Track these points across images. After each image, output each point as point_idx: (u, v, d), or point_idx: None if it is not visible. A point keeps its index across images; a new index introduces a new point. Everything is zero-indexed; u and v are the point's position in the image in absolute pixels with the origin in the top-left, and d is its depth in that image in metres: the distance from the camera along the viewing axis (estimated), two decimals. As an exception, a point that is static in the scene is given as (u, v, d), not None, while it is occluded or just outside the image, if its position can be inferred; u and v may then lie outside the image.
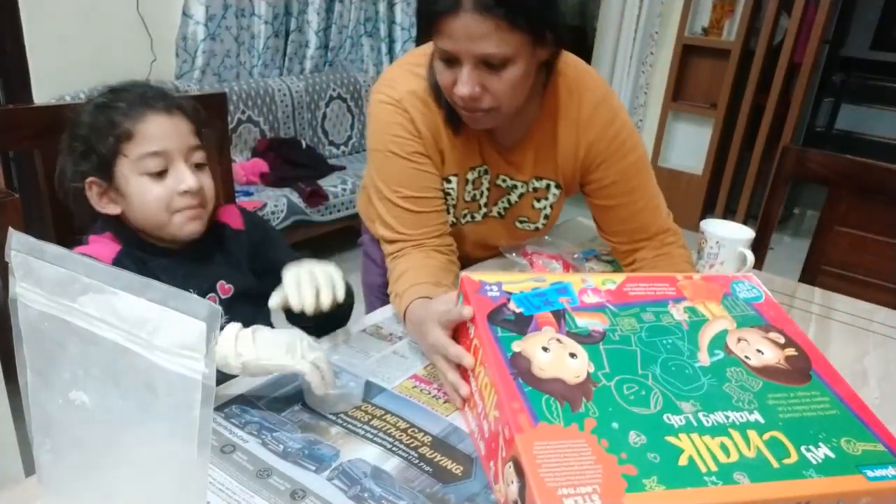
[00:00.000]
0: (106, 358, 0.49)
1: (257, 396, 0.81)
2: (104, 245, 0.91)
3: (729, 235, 1.19)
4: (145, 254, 0.93)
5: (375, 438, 0.75)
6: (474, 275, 0.78)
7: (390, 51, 3.70)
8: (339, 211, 2.99)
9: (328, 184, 2.98)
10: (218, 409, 0.78)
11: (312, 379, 0.76)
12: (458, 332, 0.81)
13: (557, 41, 0.95)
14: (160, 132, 0.88)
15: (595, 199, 1.13)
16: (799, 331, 0.79)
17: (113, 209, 0.91)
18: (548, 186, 1.13)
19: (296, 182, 2.89)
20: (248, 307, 0.97)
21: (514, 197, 1.14)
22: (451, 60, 0.90)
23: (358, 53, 3.63)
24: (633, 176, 1.09)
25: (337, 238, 3.02)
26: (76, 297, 0.49)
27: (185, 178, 0.88)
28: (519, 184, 1.12)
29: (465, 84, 0.90)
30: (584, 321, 0.74)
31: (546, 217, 1.17)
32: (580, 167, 1.10)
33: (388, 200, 1.04)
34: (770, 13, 3.55)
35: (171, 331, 0.45)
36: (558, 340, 0.71)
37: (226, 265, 1.00)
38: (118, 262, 0.89)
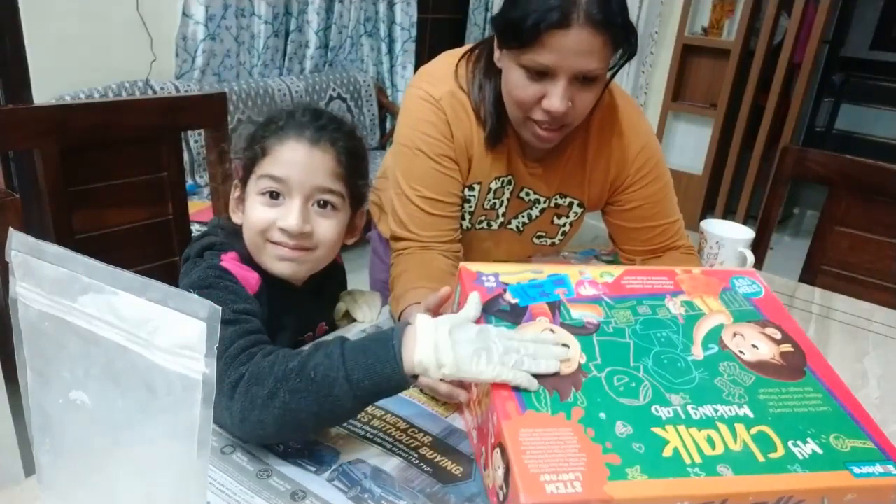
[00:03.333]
0: (106, 358, 0.49)
1: (257, 396, 0.81)
2: (246, 271, 0.85)
3: (729, 235, 1.19)
4: (266, 283, 0.87)
5: (375, 439, 0.75)
6: (472, 265, 0.78)
7: (390, 51, 3.70)
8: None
9: (328, 184, 2.98)
10: (218, 409, 0.78)
11: (530, 386, 0.65)
12: None
13: (617, 65, 0.96)
14: (290, 159, 0.82)
15: (615, 219, 1.13)
16: (797, 327, 0.79)
17: (238, 219, 0.88)
18: (570, 204, 1.13)
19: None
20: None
21: (535, 212, 1.13)
22: (541, 75, 0.89)
23: (358, 53, 3.63)
24: (657, 202, 1.10)
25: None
26: (76, 297, 0.49)
27: (289, 215, 0.82)
28: (542, 199, 1.11)
29: (561, 99, 0.88)
30: (578, 312, 0.74)
31: (564, 234, 1.17)
32: (608, 189, 1.10)
33: (406, 197, 1.03)
34: (770, 13, 3.55)
35: (171, 331, 0.45)
36: (552, 331, 0.71)
37: (329, 306, 1.02)
38: (258, 295, 0.84)
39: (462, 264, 0.78)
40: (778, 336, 0.77)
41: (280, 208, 0.83)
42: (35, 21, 2.35)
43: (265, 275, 0.87)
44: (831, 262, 1.51)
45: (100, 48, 2.58)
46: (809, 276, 1.51)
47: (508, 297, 0.75)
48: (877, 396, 0.93)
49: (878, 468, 0.64)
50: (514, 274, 0.78)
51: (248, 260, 0.87)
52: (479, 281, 0.76)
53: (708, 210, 3.96)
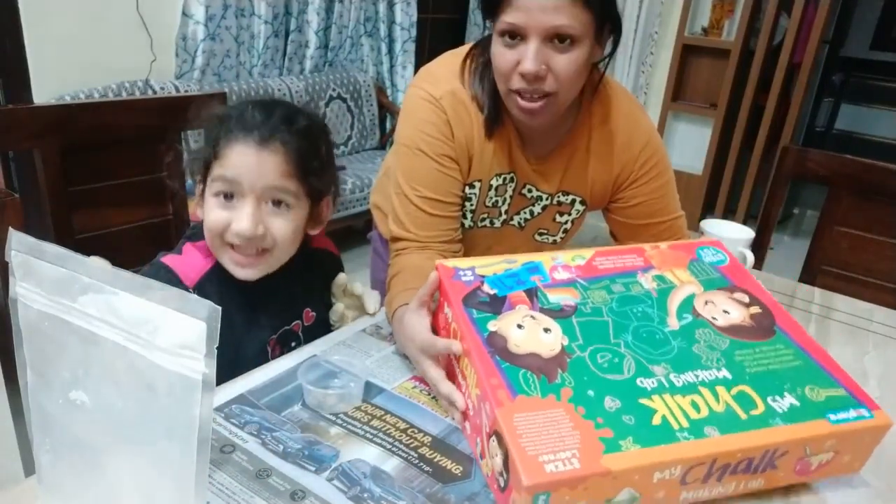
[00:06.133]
0: (106, 358, 0.49)
1: (257, 396, 0.81)
2: (195, 259, 0.89)
3: (729, 235, 1.19)
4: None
5: (375, 439, 0.75)
6: (448, 262, 0.80)
7: (390, 51, 3.70)
8: (338, 211, 2.99)
9: (328, 184, 2.98)
10: (218, 409, 0.78)
11: None
12: (436, 319, 0.83)
13: (612, 41, 0.96)
14: (239, 162, 0.83)
15: (618, 216, 1.13)
16: (762, 289, 0.82)
17: (201, 215, 0.90)
18: (573, 202, 1.12)
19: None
20: (322, 330, 1.01)
21: (537, 209, 1.13)
22: (515, 39, 0.89)
23: (358, 53, 3.63)
24: (661, 198, 1.09)
25: (337, 238, 3.02)
26: (76, 297, 0.49)
27: (241, 219, 0.83)
28: (544, 195, 1.11)
29: (531, 60, 0.87)
30: (556, 297, 0.77)
31: (565, 231, 1.17)
32: (612, 186, 1.10)
33: (405, 197, 1.03)
34: (770, 13, 3.55)
35: (171, 331, 0.45)
36: (532, 317, 0.73)
37: (315, 292, 1.02)
38: (201, 285, 0.88)
39: (438, 262, 0.80)
40: (746, 300, 0.80)
41: (234, 210, 0.84)
42: (35, 21, 2.35)
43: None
44: (831, 262, 1.50)
45: (100, 48, 2.58)
46: (809, 276, 1.51)
47: (486, 288, 0.77)
48: (877, 397, 0.93)
49: (853, 413, 0.68)
50: (490, 266, 0.80)
51: None
52: (457, 276, 0.78)
53: (708, 210, 3.96)
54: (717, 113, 3.79)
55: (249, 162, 0.83)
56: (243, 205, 0.84)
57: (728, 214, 3.84)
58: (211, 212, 0.86)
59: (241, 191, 0.84)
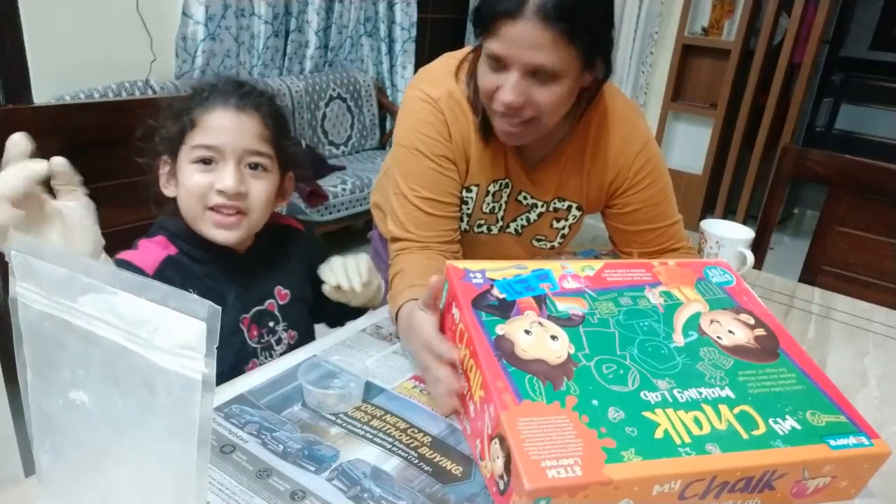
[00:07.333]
0: (106, 358, 0.49)
1: (257, 396, 0.81)
2: (151, 251, 0.91)
3: (729, 235, 1.19)
4: (205, 253, 0.92)
5: (375, 439, 0.75)
6: (459, 263, 0.80)
7: (390, 51, 3.70)
8: (338, 211, 2.99)
9: (328, 184, 2.98)
10: (218, 409, 0.78)
11: None
12: (443, 320, 0.83)
13: (604, 71, 0.95)
14: (219, 126, 0.88)
15: (614, 222, 1.13)
16: (768, 312, 0.83)
17: (171, 192, 0.92)
18: (569, 208, 1.12)
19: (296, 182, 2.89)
20: (304, 310, 1.01)
21: (533, 216, 1.13)
22: (499, 65, 0.89)
23: (358, 53, 3.63)
24: (657, 204, 1.09)
25: (337, 238, 3.02)
26: (76, 297, 0.49)
27: (224, 177, 0.87)
28: (539, 202, 1.11)
29: (509, 91, 0.88)
30: (564, 305, 0.77)
31: (563, 237, 1.17)
32: (606, 192, 1.10)
33: (404, 197, 1.03)
34: (770, 13, 3.56)
35: (171, 331, 0.45)
36: (540, 324, 0.74)
37: (285, 270, 1.02)
38: (161, 271, 0.89)
39: (448, 262, 0.80)
40: (751, 321, 0.81)
41: (215, 173, 0.88)
42: (35, 21, 2.35)
43: (192, 244, 0.91)
44: (831, 262, 1.51)
45: (100, 48, 2.58)
46: (809, 276, 1.51)
47: (496, 292, 0.77)
48: (877, 396, 0.93)
49: (852, 440, 0.69)
50: (500, 270, 0.80)
51: (176, 237, 0.92)
52: (467, 278, 0.78)
53: (708, 210, 3.97)
54: (717, 113, 3.79)
55: (229, 125, 0.88)
56: (225, 166, 0.88)
57: (728, 214, 3.84)
58: (190, 177, 0.88)
59: (223, 154, 0.88)
